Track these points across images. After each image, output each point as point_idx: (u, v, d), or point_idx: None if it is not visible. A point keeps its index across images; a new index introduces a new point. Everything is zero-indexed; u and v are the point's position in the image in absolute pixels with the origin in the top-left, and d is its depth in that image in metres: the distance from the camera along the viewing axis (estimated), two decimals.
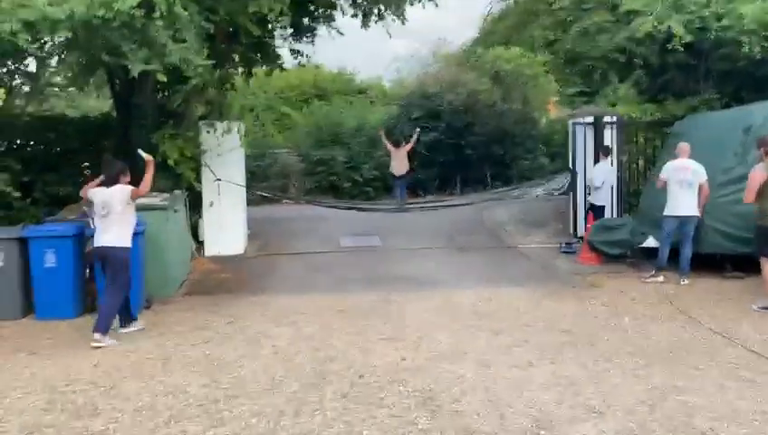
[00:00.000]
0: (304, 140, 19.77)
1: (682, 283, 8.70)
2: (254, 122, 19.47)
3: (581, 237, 11.36)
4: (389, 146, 16.51)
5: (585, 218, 11.10)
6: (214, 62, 8.21)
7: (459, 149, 19.28)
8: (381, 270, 9.92)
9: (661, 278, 8.75)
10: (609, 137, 11.49)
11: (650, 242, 9.88)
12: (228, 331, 6.81)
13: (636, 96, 17.67)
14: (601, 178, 10.77)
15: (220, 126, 10.39)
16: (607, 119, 11.55)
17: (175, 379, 5.34)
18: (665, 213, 8.93)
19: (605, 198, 10.88)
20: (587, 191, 11.24)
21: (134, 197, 6.75)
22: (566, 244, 11.16)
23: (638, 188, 11.81)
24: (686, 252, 8.86)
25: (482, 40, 19.31)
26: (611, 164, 11.13)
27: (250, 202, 17.01)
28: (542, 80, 20.71)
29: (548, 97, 21.27)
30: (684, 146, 9.14)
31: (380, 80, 27.61)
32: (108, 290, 6.70)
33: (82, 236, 7.69)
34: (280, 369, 5.51)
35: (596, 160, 11.28)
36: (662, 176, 9.03)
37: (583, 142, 11.53)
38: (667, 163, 9.13)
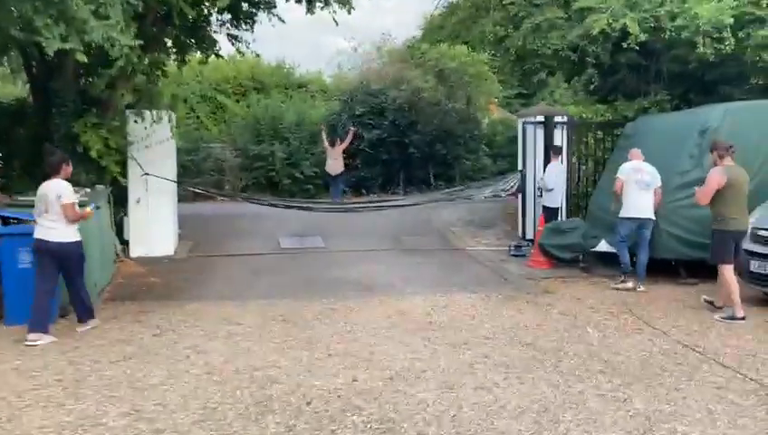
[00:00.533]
0: (241, 134, 18.87)
1: (638, 289, 8.38)
2: (187, 113, 18.56)
3: (531, 240, 11.01)
4: (326, 144, 16.24)
5: (536, 221, 10.70)
6: (142, 42, 7.35)
7: (403, 147, 18.80)
8: (326, 274, 9.25)
9: (630, 284, 8.39)
10: (560, 137, 11.18)
11: (602, 246, 9.58)
12: (154, 345, 6.01)
13: (575, 97, 17.58)
14: (554, 179, 10.41)
15: (149, 115, 9.51)
16: (558, 118, 11.22)
17: (87, 406, 4.55)
18: (621, 214, 8.60)
19: (558, 199, 10.53)
20: (538, 193, 10.87)
21: (68, 213, 6.27)
22: (515, 247, 10.77)
23: (587, 190, 11.54)
24: (643, 258, 8.55)
25: (427, 36, 18.81)
26: (561, 164, 10.80)
27: (181, 199, 16.09)
28: (485, 80, 20.46)
29: (491, 97, 21.01)
30: (635, 152, 8.89)
31: (321, 74, 26.85)
32: (71, 283, 6.49)
33: None
34: (213, 393, 4.79)
35: (546, 161, 10.94)
36: (619, 176, 8.69)
37: (533, 142, 11.16)
38: (624, 164, 8.80)
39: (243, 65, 25.58)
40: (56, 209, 6.21)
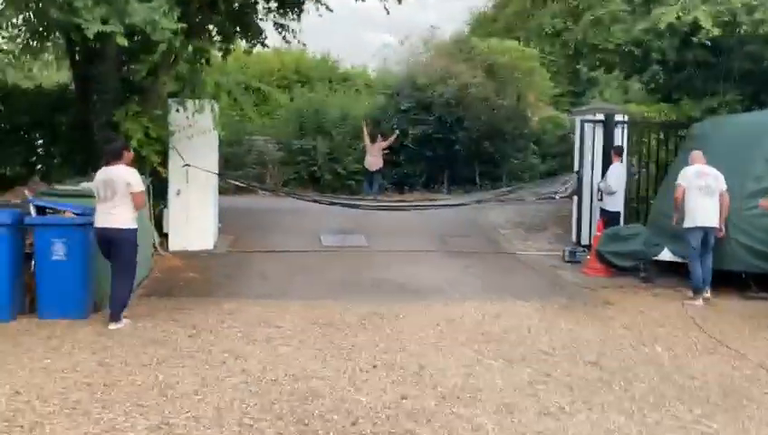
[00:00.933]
0: (284, 128, 18.54)
1: (705, 295, 7.78)
2: (230, 103, 18.31)
3: (587, 246, 10.41)
4: (367, 140, 16.05)
5: (593, 225, 10.09)
6: (184, 25, 7.00)
7: (449, 144, 18.22)
8: (369, 275, 8.83)
9: (700, 302, 7.76)
10: (620, 137, 10.54)
11: (665, 255, 8.96)
12: (190, 347, 5.65)
13: (626, 96, 16.76)
14: (616, 181, 9.78)
15: (191, 104, 9.19)
16: (618, 117, 10.58)
17: (115, 416, 4.19)
18: (686, 225, 7.95)
19: (619, 203, 9.91)
20: (597, 196, 10.24)
21: (138, 201, 6.39)
22: (570, 252, 10.17)
23: (647, 195, 10.86)
24: (709, 263, 7.93)
25: (476, 30, 18.24)
26: (623, 165, 10.16)
27: (222, 191, 15.86)
28: (536, 76, 19.79)
29: (543, 94, 20.30)
30: (696, 154, 8.22)
31: (366, 69, 26.45)
32: (116, 275, 6.32)
33: (19, 225, 6.48)
34: (251, 406, 4.39)
35: (605, 162, 10.32)
36: (681, 183, 8.03)
37: (592, 142, 10.54)
38: (685, 169, 8.14)
39: (287, 58, 25.35)
40: (122, 196, 6.21)
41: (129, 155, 6.66)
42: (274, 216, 12.58)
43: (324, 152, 17.52)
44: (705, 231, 7.83)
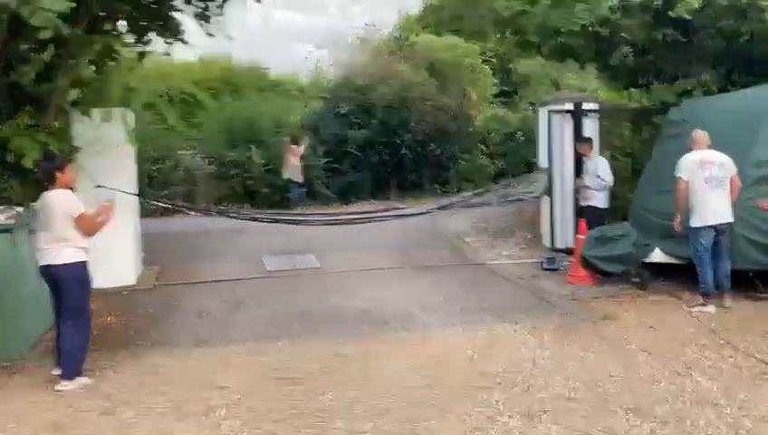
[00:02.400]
0: (214, 139, 16.92)
1: (726, 303, 6.77)
2: (152, 114, 16.60)
3: (565, 250, 9.33)
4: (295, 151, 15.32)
5: (574, 227, 8.99)
6: (73, 4, 5.47)
7: (394, 148, 17.03)
8: (326, 303, 7.46)
9: (712, 309, 6.72)
10: (591, 127, 9.53)
11: (657, 256, 7.95)
12: (102, 432, 4.17)
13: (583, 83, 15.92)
14: (608, 173, 8.77)
15: (98, 113, 7.63)
16: (587, 105, 9.57)
17: None
18: (695, 224, 6.90)
19: (605, 199, 8.87)
20: (576, 193, 9.18)
21: (82, 225, 5.28)
22: (548, 259, 9.06)
23: (622, 189, 9.87)
24: (725, 266, 6.93)
25: (415, 25, 17.13)
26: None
27: (148, 214, 14.15)
28: (479, 73, 18.82)
29: (486, 91, 19.33)
30: (700, 135, 7.18)
31: (297, 75, 25.05)
32: (63, 322, 5.27)
33: None
34: None
35: (578, 155, 9.28)
36: (681, 176, 7.00)
37: (560, 134, 9.49)
38: (684, 158, 7.10)
39: (213, 66, 23.75)
40: (62, 226, 5.23)
41: (66, 177, 5.41)
42: (208, 239, 11.04)
43: (260, 164, 16.01)
44: (717, 229, 6.80)
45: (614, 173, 9.70)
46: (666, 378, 4.86)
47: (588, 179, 8.86)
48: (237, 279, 8.69)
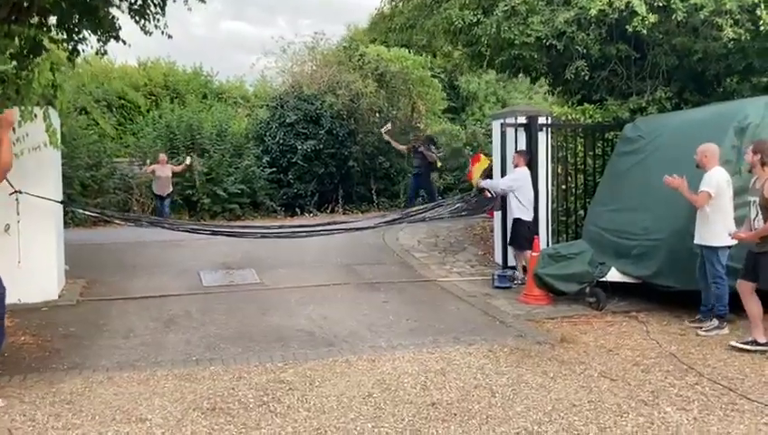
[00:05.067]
0: (152, 146, 16.16)
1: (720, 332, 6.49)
2: (88, 124, 15.75)
3: (517, 268, 9.03)
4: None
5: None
6: None
7: (342, 160, 16.60)
8: (266, 322, 6.92)
9: (726, 330, 6.44)
10: (544, 141, 9.30)
11: (613, 275, 7.72)
12: None
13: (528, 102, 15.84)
14: (516, 183, 8.69)
15: (16, 112, 6.93)
16: (542, 120, 9.33)
17: None
18: (719, 243, 6.40)
19: (530, 210, 8.70)
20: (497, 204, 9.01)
21: None
22: (500, 277, 8.73)
23: (576, 206, 9.67)
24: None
25: (364, 36, 16.79)
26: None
27: (78, 224, 13.35)
28: (428, 86, 18.58)
29: (434, 105, 19.11)
30: (713, 149, 6.62)
31: (242, 83, 24.38)
32: None
33: None
34: None
35: (533, 169, 9.03)
36: (708, 190, 6.42)
37: (514, 147, 9.21)
38: (717, 174, 6.51)
39: (155, 72, 22.89)
40: None
41: None
42: (143, 251, 10.36)
43: (201, 172, 15.33)
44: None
45: (564, 189, 9.57)
46: (632, 408, 4.52)
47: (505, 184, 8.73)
48: (171, 295, 8.06)
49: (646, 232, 7.56)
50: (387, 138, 15.49)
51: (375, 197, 17.01)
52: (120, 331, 6.65)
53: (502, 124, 9.22)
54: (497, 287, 8.60)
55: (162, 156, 14.94)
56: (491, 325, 6.97)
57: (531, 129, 9.17)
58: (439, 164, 15.26)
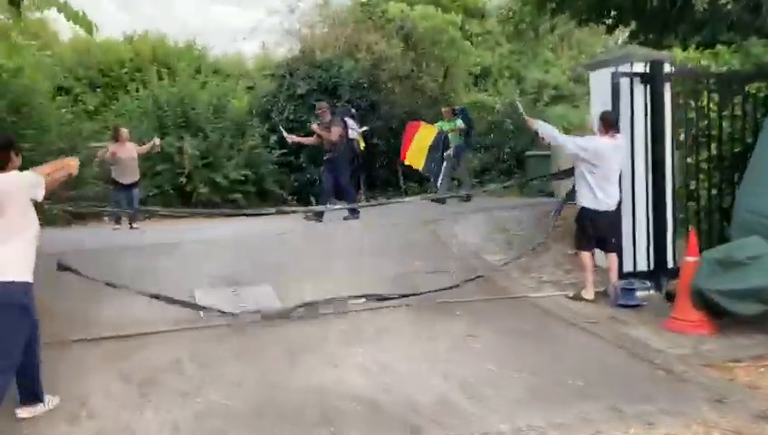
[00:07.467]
0: (137, 126, 13.48)
1: None
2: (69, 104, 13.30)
3: (652, 274, 6.45)
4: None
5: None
6: None
7: (363, 137, 13.94)
8: (299, 380, 4.36)
9: None
10: (669, 97, 6.68)
11: None
12: None
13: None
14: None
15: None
16: (666, 68, 6.71)
17: None
18: None
19: (611, 196, 6.24)
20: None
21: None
22: (625, 290, 6.13)
23: (710, 186, 7.00)
24: None
25: None
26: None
27: (50, 222, 10.81)
28: (460, 48, 15.90)
29: (469, 72, 16.45)
30: None
31: (240, 56, 21.77)
32: None
33: None
34: None
35: (655, 133, 6.44)
36: None
37: (630, 105, 6.60)
38: None
39: (143, 45, 20.30)
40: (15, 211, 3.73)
41: (18, 161, 3.89)
42: (117, 261, 7.64)
43: (195, 156, 12.69)
44: None
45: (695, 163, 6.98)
46: None
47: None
48: (152, 333, 5.46)
49: None
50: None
51: (402, 181, 14.38)
52: (65, 407, 4.07)
53: (613, 74, 6.54)
54: (621, 306, 6.02)
55: (123, 130, 10.96)
56: (652, 378, 4.42)
57: (654, 80, 6.53)
58: (362, 145, 11.70)
